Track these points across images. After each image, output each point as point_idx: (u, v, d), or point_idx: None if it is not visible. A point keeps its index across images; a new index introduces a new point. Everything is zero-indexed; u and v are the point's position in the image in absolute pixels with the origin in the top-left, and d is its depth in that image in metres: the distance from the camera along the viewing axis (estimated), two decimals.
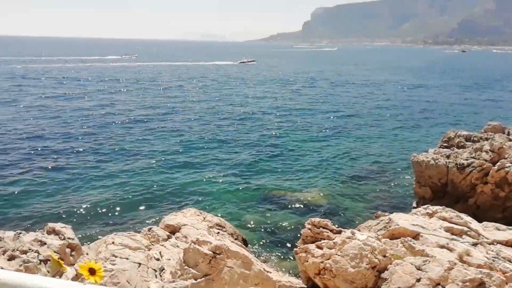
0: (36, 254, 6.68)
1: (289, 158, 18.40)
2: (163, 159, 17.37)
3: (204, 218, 10.76)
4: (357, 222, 11.38)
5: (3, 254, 6.45)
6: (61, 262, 0.89)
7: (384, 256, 5.77)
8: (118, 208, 12.52)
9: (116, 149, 18.46)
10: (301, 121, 26.48)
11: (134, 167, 16.18)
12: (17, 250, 6.66)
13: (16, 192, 13.17)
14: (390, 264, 5.67)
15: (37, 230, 7.84)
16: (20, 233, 7.21)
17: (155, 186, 14.37)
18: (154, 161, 16.97)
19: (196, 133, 22.11)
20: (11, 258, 6.75)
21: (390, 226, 6.65)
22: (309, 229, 7.14)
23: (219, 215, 11.38)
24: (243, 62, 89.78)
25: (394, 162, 17.89)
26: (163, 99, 34.11)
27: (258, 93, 39.27)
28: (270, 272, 6.99)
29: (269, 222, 12.19)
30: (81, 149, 18.16)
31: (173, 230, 9.97)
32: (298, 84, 49.40)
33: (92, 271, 0.87)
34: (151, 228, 9.52)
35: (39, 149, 17.85)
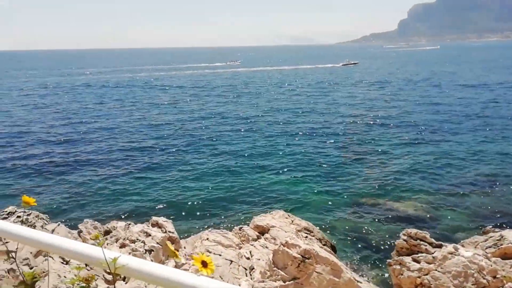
0: (142, 244, 7.44)
1: (379, 162, 17.52)
2: (254, 159, 17.92)
3: (292, 221, 10.82)
4: (458, 236, 10.35)
5: (116, 242, 7.31)
6: (177, 252, 0.99)
7: (494, 277, 5.15)
8: (210, 206, 13.26)
9: (212, 149, 19.58)
10: (400, 122, 25.02)
11: (228, 167, 16.97)
12: (127, 239, 7.49)
13: (126, 188, 14.79)
14: (501, 287, 5.05)
15: (143, 222, 8.69)
16: (129, 224, 8.10)
17: (245, 186, 14.90)
18: (247, 162, 17.59)
19: (294, 135, 22.32)
20: (122, 246, 7.60)
21: (501, 244, 5.92)
22: (405, 240, 6.70)
23: (307, 219, 11.32)
24: (345, 65, 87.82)
25: (507, 173, 15.84)
26: (272, 102, 35.09)
27: (366, 95, 37.91)
28: (361, 283, 6.74)
29: (358, 229, 11.76)
30: (176, 149, 19.67)
31: (262, 231, 10.22)
32: (406, 85, 46.68)
33: (204, 264, 0.94)
34: (242, 227, 9.89)
35: (139, 148, 19.83)
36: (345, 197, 14.03)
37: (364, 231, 11.63)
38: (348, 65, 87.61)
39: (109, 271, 0.99)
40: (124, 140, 21.79)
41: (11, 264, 5.93)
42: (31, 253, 6.45)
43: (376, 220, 12.27)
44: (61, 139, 21.94)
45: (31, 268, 6.07)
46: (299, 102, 35.05)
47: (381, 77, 57.31)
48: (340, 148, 19.75)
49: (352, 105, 33.15)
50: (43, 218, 8.60)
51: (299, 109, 31.42)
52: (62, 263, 6.31)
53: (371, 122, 25.78)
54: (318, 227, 10.71)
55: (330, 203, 13.58)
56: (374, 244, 10.97)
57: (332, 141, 21.32)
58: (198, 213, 12.82)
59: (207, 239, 8.53)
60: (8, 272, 5.86)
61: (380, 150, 19.42)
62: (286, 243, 6.70)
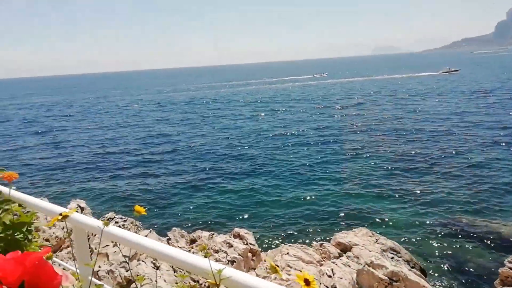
0: (225, 254, 7.65)
1: (474, 176, 15.84)
2: (334, 173, 17.49)
3: (377, 240, 10.26)
4: None
5: (201, 251, 7.63)
6: (278, 268, 0.98)
7: None
8: (290, 220, 13.18)
9: (292, 161, 19.60)
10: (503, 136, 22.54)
11: (308, 180, 16.80)
12: (211, 248, 7.77)
13: (210, 198, 15.45)
14: None
15: (226, 232, 8.96)
16: (213, 234, 8.41)
17: (326, 201, 14.57)
18: (327, 175, 17.25)
19: (382, 152, 21.31)
20: (206, 255, 7.90)
21: None
22: (511, 268, 5.92)
23: (393, 238, 10.65)
24: (445, 72, 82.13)
25: None
26: (363, 114, 34.39)
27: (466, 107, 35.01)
28: None
29: (452, 252, 10.70)
30: (260, 161, 20.03)
31: (344, 248, 9.86)
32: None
33: (307, 282, 0.92)
34: (322, 243, 9.65)
35: (224, 158, 20.60)
36: (436, 215, 12.92)
37: (459, 255, 10.55)
38: (448, 72, 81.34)
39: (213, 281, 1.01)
40: (208, 151, 22.88)
41: (111, 266, 6.51)
42: (126, 256, 7.01)
43: (473, 242, 11.06)
44: (148, 151, 23.82)
45: (127, 271, 6.60)
46: (404, 112, 33.48)
47: (490, 85, 52.11)
48: (430, 163, 18.34)
49: (454, 115, 30.69)
50: (136, 225, 9.33)
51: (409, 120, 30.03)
52: (153, 268, 6.76)
53: (470, 133, 23.59)
54: (405, 248, 10.00)
55: (418, 222, 12.61)
56: (471, 270, 9.88)
57: (422, 154, 19.92)
58: (277, 226, 12.84)
59: (287, 253, 8.47)
60: (108, 273, 6.44)
61: (474, 163, 17.62)
62: (371, 263, 6.34)
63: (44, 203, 1.66)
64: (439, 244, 11.19)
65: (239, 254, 7.96)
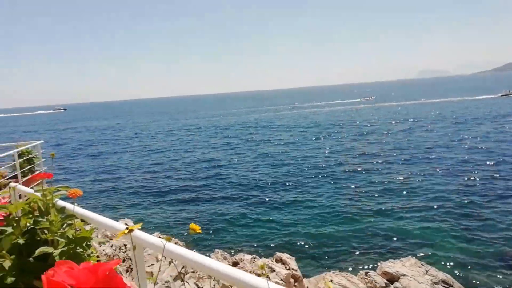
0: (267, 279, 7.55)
1: None
2: (380, 200, 16.88)
3: (427, 271, 9.70)
4: None
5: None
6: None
7: None
8: (333, 247, 12.80)
9: (336, 187, 19.20)
10: None
11: (352, 207, 16.33)
12: (253, 272, 7.71)
13: (253, 220, 15.42)
14: None
15: (268, 256, 8.87)
16: (255, 258, 8.35)
17: (371, 228, 14.03)
18: (372, 202, 16.68)
19: (435, 181, 20.29)
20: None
21: None
22: None
23: (444, 270, 10.01)
24: (505, 95, 78.02)
25: None
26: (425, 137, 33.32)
27: None
28: None
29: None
30: (301, 187, 19.81)
31: (391, 279, 9.39)
32: None
33: None
34: (368, 272, 9.25)
35: (270, 182, 20.58)
36: (493, 247, 11.98)
37: None
38: (508, 95, 76.99)
39: None
40: (253, 177, 23.04)
41: (155, 285, 6.63)
42: (171, 276, 7.12)
43: None
44: (192, 175, 24.38)
45: None
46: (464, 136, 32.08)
47: None
48: (489, 194, 17.13)
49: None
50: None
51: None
52: None
53: None
54: (459, 282, 9.33)
55: (473, 252, 11.76)
56: None
57: (477, 179, 18.76)
58: (320, 253, 12.50)
59: (331, 281, 8.20)
60: None
61: None
62: None
63: (105, 219, 1.77)
64: (496, 278, 10.32)
65: (281, 279, 7.83)
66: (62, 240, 1.52)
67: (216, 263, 1.25)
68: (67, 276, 0.65)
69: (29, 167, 9.52)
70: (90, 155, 35.66)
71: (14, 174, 9.01)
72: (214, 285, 7.32)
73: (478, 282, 10.31)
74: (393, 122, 46.97)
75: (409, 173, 21.33)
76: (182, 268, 8.28)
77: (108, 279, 0.67)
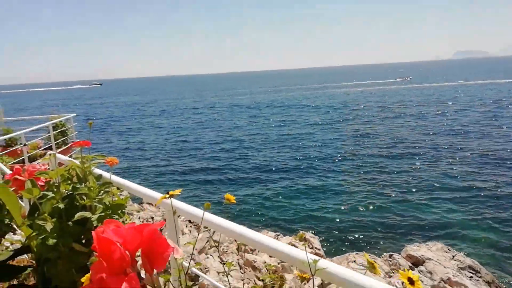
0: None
1: None
2: (411, 184, 16.57)
3: (453, 256, 9.52)
4: None
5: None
6: (376, 265, 0.95)
7: None
8: (358, 228, 12.74)
9: (367, 170, 18.99)
10: None
11: (381, 189, 16.14)
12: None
13: (278, 198, 15.53)
14: None
15: (291, 234, 8.95)
16: (278, 235, 8.44)
17: (398, 211, 13.85)
18: (400, 188, 16.41)
19: (467, 162, 19.76)
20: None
21: None
22: None
23: (471, 256, 9.80)
24: None
25: None
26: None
27: None
28: None
29: None
30: (329, 167, 19.69)
31: (415, 262, 9.29)
32: None
33: (411, 281, 0.88)
34: (392, 255, 9.19)
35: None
36: None
37: None
38: None
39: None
40: (277, 155, 23.08)
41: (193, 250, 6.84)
42: (196, 249, 7.31)
43: None
44: (221, 151, 24.66)
45: (196, 263, 6.90)
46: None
47: None
48: None
49: None
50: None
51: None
52: (221, 263, 6.97)
53: None
54: (486, 269, 9.13)
55: (503, 240, 11.43)
56: None
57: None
58: (344, 233, 12.48)
59: (354, 261, 8.20)
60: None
61: None
62: (448, 279, 5.89)
63: (140, 187, 1.82)
64: None
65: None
66: (100, 206, 1.57)
67: (255, 233, 1.25)
68: (114, 234, 0.66)
69: (62, 139, 9.90)
70: (117, 131, 36.64)
71: (48, 146, 9.39)
72: (238, 259, 7.47)
73: (506, 270, 10.07)
74: (429, 104, 45.39)
75: (441, 158, 20.74)
76: (207, 242, 8.49)
77: (153, 239, 0.68)
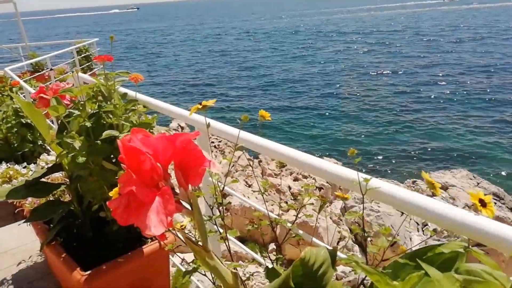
0: (313, 180, 7.81)
1: None
2: (444, 113, 16.06)
3: (478, 183, 9.46)
4: None
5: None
6: (436, 183, 0.87)
7: None
8: (380, 154, 12.70)
9: (396, 99, 18.44)
10: None
11: (404, 118, 15.76)
12: (299, 173, 7.96)
13: (300, 127, 15.50)
14: None
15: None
16: None
17: (423, 139, 13.62)
18: (425, 116, 15.95)
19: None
20: (295, 179, 8.14)
21: None
22: None
23: (497, 185, 9.71)
24: None
25: None
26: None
27: None
28: None
29: None
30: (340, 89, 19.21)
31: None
32: None
33: (483, 203, 0.81)
34: (415, 181, 9.22)
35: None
36: None
37: None
38: None
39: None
40: (302, 82, 22.56)
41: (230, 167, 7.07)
42: (222, 172, 7.52)
43: None
44: (244, 77, 24.25)
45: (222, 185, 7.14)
46: None
47: None
48: None
49: None
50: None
51: None
52: (245, 185, 7.19)
53: None
54: (511, 196, 9.08)
55: None
56: None
57: None
58: (367, 160, 12.48)
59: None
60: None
61: None
62: (472, 205, 5.90)
63: (166, 105, 1.75)
64: None
65: (327, 182, 8.03)
66: (127, 124, 1.53)
67: (302, 154, 1.18)
68: (143, 145, 0.57)
69: (87, 64, 9.87)
70: (141, 55, 36.35)
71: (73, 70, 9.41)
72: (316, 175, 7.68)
73: None
74: (485, 25, 42.02)
75: (471, 84, 19.74)
76: (232, 166, 8.70)
77: (187, 151, 0.59)
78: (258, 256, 1.52)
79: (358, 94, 19.25)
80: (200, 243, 0.65)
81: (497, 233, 0.76)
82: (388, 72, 23.40)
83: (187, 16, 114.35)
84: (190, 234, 1.05)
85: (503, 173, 11.24)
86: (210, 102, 0.90)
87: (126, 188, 0.53)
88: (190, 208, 0.61)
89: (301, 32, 48.00)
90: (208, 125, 1.07)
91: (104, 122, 1.57)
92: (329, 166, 1.10)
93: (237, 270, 0.76)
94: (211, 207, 1.04)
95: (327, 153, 12.47)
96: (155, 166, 0.55)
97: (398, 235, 6.16)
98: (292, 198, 7.13)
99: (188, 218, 0.94)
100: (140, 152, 0.54)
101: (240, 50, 36.24)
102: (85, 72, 9.70)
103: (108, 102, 1.58)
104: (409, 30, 42.86)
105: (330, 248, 0.77)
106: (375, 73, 23.21)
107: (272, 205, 6.60)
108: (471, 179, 9.72)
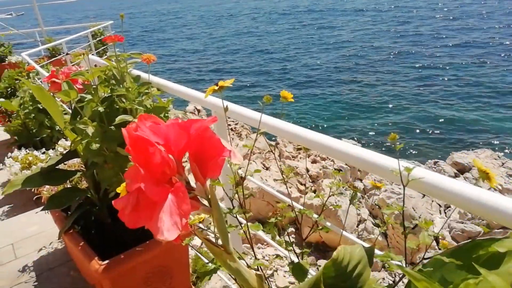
0: (332, 162, 7.70)
1: None
2: (469, 89, 15.52)
3: (503, 163, 9.15)
4: None
5: (391, 139, 7.72)
6: (491, 174, 0.77)
7: None
8: (401, 134, 12.39)
9: (420, 73, 17.92)
10: None
11: (428, 96, 15.30)
12: (314, 155, 7.85)
13: (316, 103, 15.25)
14: None
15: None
16: None
17: (442, 119, 13.21)
18: (448, 93, 15.44)
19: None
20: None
21: None
22: None
23: None
24: None
25: None
26: None
27: None
28: None
29: None
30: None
31: (461, 169, 9.07)
32: None
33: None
34: (437, 162, 8.99)
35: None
36: None
37: None
38: None
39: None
40: (316, 63, 22.13)
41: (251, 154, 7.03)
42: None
43: None
44: (256, 57, 23.95)
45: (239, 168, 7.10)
46: None
47: None
48: None
49: None
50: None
51: None
52: (263, 168, 7.13)
53: None
54: None
55: None
56: None
57: None
58: (386, 140, 12.24)
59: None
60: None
61: None
62: (500, 185, 5.71)
63: (181, 87, 1.67)
64: None
65: (345, 164, 7.90)
66: (141, 108, 1.46)
67: (332, 139, 1.09)
68: (152, 133, 0.49)
69: (103, 47, 9.85)
70: (157, 39, 36.26)
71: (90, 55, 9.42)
72: (280, 165, 7.61)
73: None
74: None
75: (496, 62, 18.93)
76: (250, 150, 8.64)
77: (204, 139, 0.51)
78: (282, 248, 1.46)
79: (378, 75, 18.77)
80: (220, 242, 0.58)
81: None
82: (411, 53, 22.67)
83: None
84: (209, 231, 0.98)
85: None
86: (228, 82, 0.81)
87: (134, 184, 0.46)
88: (208, 204, 0.54)
89: (317, 12, 46.82)
90: (226, 109, 0.98)
91: (118, 107, 1.51)
92: (364, 153, 1.00)
93: (261, 269, 0.69)
94: (231, 199, 0.97)
95: (344, 135, 12.28)
96: (166, 159, 0.47)
97: (420, 217, 6.03)
98: (311, 181, 7.05)
99: (206, 215, 0.87)
100: (149, 142, 0.46)
101: (257, 31, 35.69)
102: (101, 56, 9.69)
103: (121, 86, 1.51)
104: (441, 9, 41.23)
105: (366, 245, 0.69)
106: (396, 54, 22.52)
107: (290, 187, 6.54)
108: (495, 159, 9.40)
